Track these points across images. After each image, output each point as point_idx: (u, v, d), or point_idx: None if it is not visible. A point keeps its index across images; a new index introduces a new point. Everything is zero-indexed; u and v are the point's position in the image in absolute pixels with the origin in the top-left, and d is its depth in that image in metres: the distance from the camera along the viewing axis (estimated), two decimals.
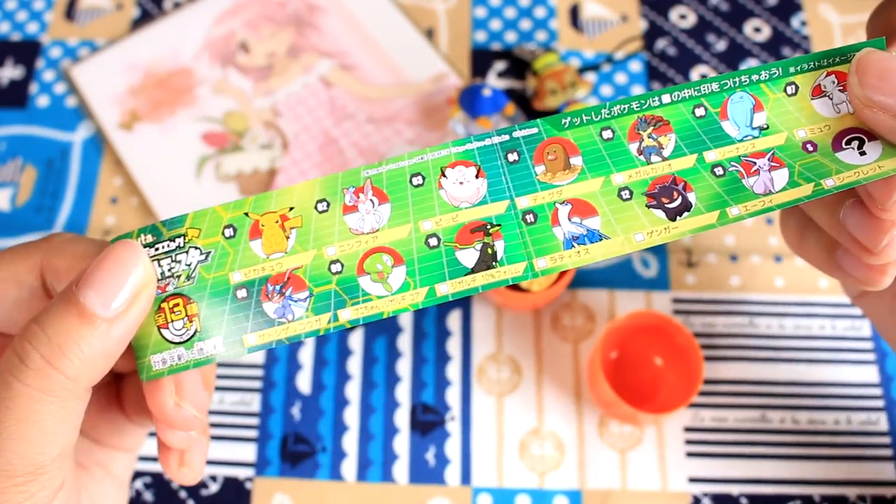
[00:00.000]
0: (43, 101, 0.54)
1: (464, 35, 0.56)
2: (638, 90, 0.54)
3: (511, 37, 0.56)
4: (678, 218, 0.24)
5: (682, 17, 0.57)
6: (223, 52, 0.55)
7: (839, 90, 0.25)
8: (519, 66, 0.55)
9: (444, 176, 0.24)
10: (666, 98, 0.25)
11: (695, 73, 0.55)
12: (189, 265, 0.23)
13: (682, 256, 0.49)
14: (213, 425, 0.44)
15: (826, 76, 0.25)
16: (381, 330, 0.47)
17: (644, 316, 0.43)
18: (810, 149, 0.25)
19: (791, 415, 0.45)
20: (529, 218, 0.24)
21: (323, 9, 0.57)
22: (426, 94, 0.53)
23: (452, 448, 0.44)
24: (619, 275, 0.48)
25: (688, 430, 0.44)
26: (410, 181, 0.24)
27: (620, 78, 0.54)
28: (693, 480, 0.43)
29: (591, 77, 0.54)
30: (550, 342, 0.46)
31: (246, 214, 0.24)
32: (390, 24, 0.56)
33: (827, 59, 0.25)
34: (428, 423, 0.45)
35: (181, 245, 0.23)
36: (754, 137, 0.25)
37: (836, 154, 0.25)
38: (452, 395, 0.45)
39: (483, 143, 0.24)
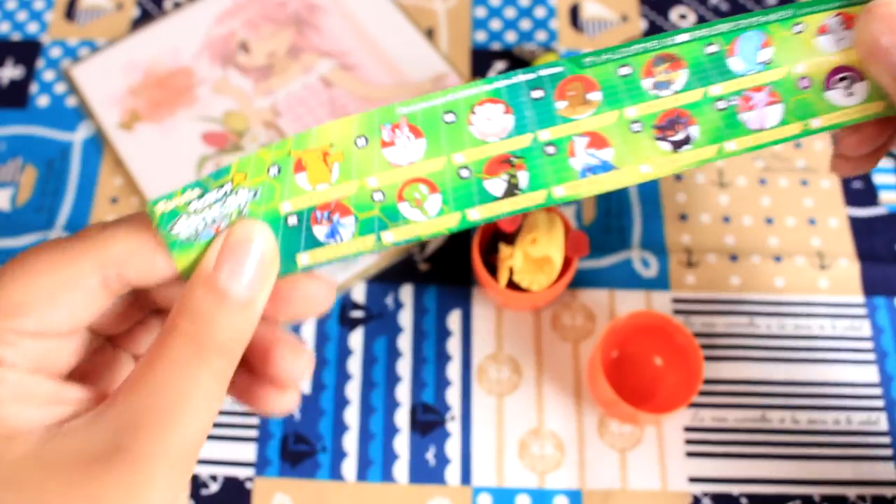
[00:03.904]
0: (43, 101, 0.54)
1: (464, 35, 0.56)
2: None
3: (511, 37, 0.56)
4: (681, 150, 0.26)
5: (682, 17, 0.57)
6: (223, 52, 0.55)
7: (843, 28, 0.27)
8: (519, 65, 0.55)
9: (474, 113, 0.26)
10: (682, 38, 0.27)
11: None
12: (239, 205, 0.25)
13: (682, 256, 0.49)
14: (214, 425, 0.44)
15: (834, 16, 0.27)
16: (381, 330, 0.47)
17: (644, 316, 0.43)
18: (804, 84, 0.27)
19: (791, 415, 0.45)
20: (550, 150, 0.26)
21: (323, 9, 0.57)
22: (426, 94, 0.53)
23: (452, 448, 0.44)
24: (619, 275, 0.48)
25: (688, 429, 0.44)
26: (443, 118, 0.26)
27: None
28: (693, 480, 0.43)
29: None
30: (550, 342, 0.46)
31: (288, 154, 0.25)
32: (390, 24, 0.56)
33: (838, 1, 0.27)
34: (428, 423, 0.45)
35: (229, 190, 0.24)
36: (757, 72, 0.27)
37: (825, 92, 0.27)
38: (452, 395, 0.45)
39: (510, 82, 0.26)
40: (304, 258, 0.25)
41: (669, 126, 0.26)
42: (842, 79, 0.27)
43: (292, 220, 0.25)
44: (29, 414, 0.22)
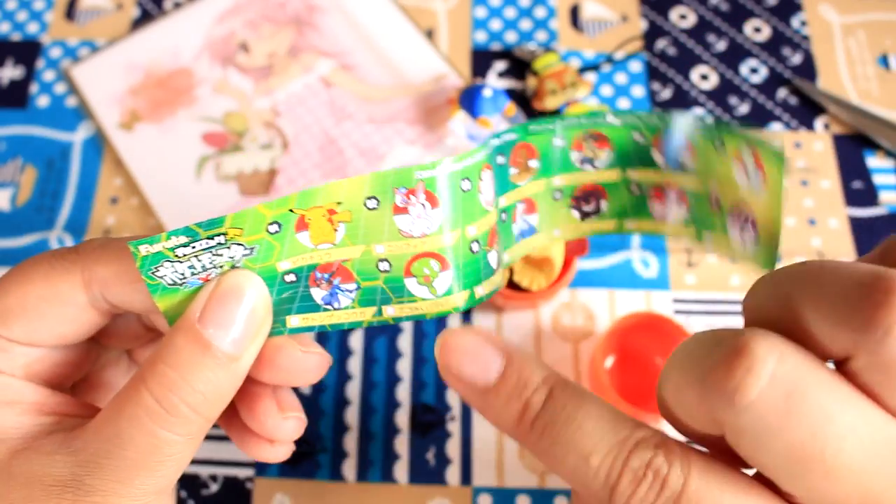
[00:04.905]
0: (43, 101, 0.54)
1: (464, 35, 0.56)
2: (638, 90, 0.54)
3: (511, 37, 0.56)
4: (587, 220, 0.27)
5: (683, 17, 0.57)
6: (223, 52, 0.55)
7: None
8: (519, 66, 0.55)
9: (482, 180, 0.24)
10: (613, 120, 0.27)
11: (695, 73, 0.55)
12: (233, 257, 0.22)
13: (682, 256, 0.49)
14: (214, 425, 0.44)
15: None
16: (381, 330, 0.47)
17: (644, 316, 0.43)
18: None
19: None
20: (504, 217, 0.26)
21: (323, 9, 0.57)
22: (426, 95, 0.53)
23: (453, 448, 0.44)
24: (619, 275, 0.48)
25: None
26: (461, 185, 0.23)
27: (620, 78, 0.54)
28: None
29: (591, 77, 0.54)
30: (550, 342, 0.46)
31: (291, 210, 0.22)
32: (390, 24, 0.56)
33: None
34: (428, 423, 0.45)
35: (222, 242, 0.22)
36: (673, 171, 0.26)
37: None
38: (453, 396, 0.45)
39: (488, 148, 0.25)
40: (294, 320, 0.23)
41: (584, 198, 0.27)
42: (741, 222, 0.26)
43: (290, 278, 0.23)
44: (10, 419, 0.22)
